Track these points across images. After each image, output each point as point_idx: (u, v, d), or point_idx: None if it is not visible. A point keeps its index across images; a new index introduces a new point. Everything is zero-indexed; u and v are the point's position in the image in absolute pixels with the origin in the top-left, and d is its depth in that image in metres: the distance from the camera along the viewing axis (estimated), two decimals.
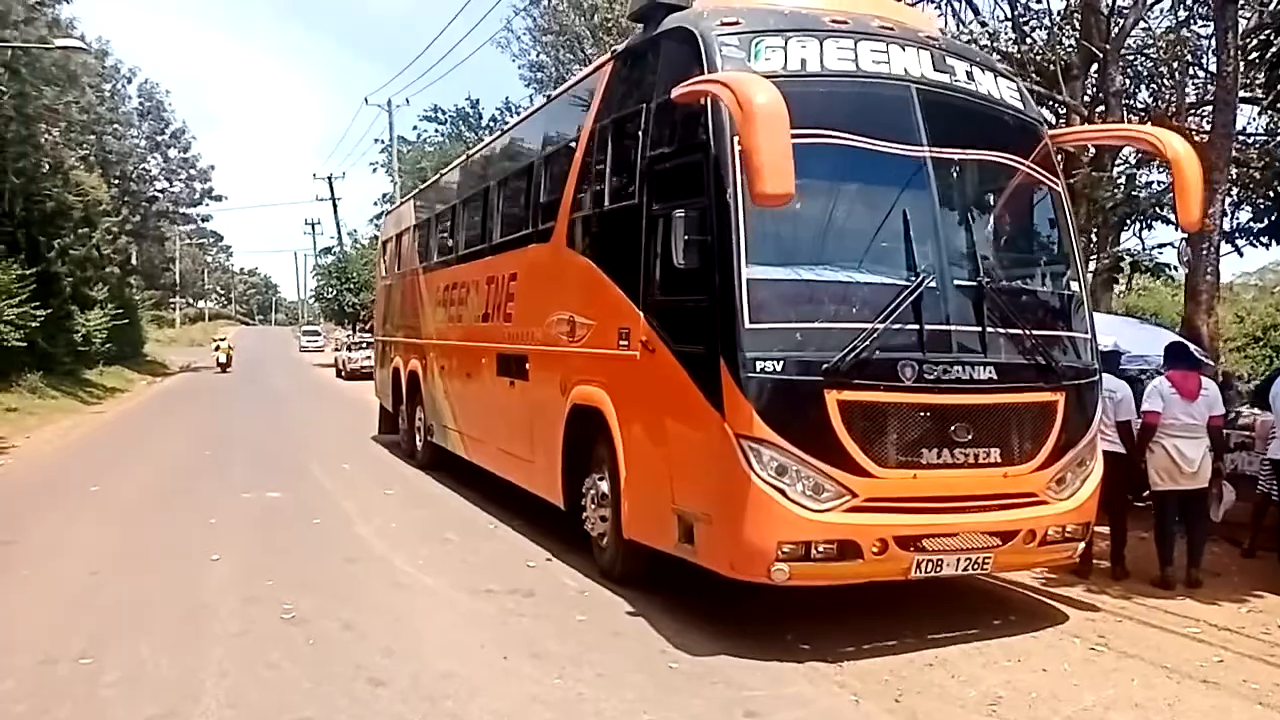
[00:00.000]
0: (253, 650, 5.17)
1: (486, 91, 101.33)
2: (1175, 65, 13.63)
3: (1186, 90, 14.85)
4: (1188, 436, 6.65)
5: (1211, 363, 9.62)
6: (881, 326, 5.17)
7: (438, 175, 14.05)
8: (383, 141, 41.51)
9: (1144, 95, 15.83)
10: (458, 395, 10.37)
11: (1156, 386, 6.80)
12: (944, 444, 5.27)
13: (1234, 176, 12.51)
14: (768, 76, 5.26)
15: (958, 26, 14.56)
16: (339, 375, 33.35)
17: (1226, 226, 12.24)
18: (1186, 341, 8.19)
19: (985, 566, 5.57)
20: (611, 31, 24.43)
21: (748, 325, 5.10)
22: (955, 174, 5.88)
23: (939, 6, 15.41)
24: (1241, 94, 11.62)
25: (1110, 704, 4.64)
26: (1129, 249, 13.09)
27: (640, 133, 6.19)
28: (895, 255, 5.45)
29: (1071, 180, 13.59)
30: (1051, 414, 5.61)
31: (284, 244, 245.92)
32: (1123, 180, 12.89)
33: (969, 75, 6.06)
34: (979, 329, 5.47)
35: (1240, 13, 10.96)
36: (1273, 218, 12.75)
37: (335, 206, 49.14)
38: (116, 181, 36.32)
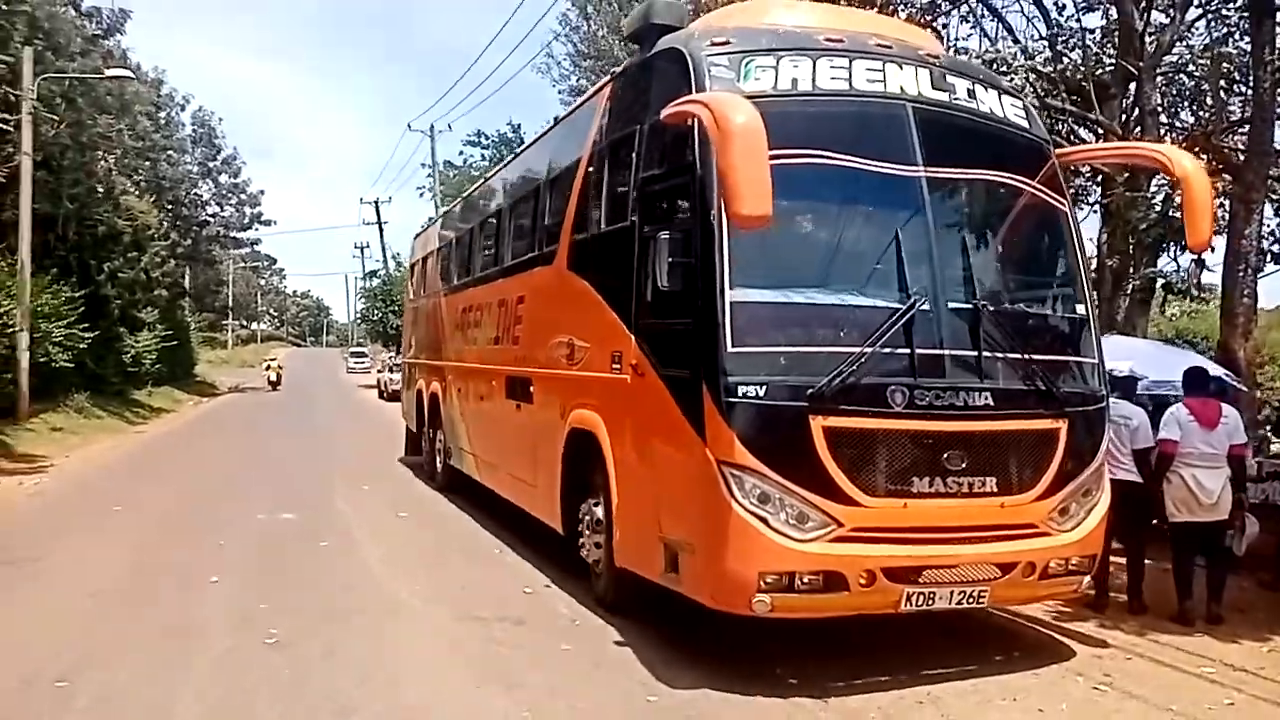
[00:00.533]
0: (229, 676, 5.13)
1: (529, 115, 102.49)
2: (1216, 83, 13.20)
3: (1230, 108, 14.42)
4: (1207, 466, 6.38)
5: (1245, 389, 9.24)
6: (870, 350, 5.02)
7: (460, 198, 14.15)
8: (428, 166, 42.11)
9: (1186, 115, 15.41)
10: (472, 418, 10.35)
11: (1174, 414, 6.54)
12: (936, 472, 5.09)
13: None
14: (757, 96, 5.20)
15: (989, 46, 14.29)
16: (380, 396, 33.70)
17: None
18: (1209, 366, 7.88)
19: (982, 600, 5.35)
20: None
21: (730, 348, 4.99)
22: (953, 194, 5.74)
23: (973, 26, 15.28)
24: None
25: None
26: (1162, 270, 12.67)
27: (634, 154, 6.13)
28: (886, 277, 5.30)
29: (1107, 200, 13.32)
30: (1053, 441, 5.40)
31: (337, 267, 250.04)
32: (1159, 200, 12.51)
33: (970, 93, 5.90)
34: (975, 353, 5.30)
35: (1278, 28, 10.60)
36: None
37: (381, 230, 49.76)
38: (170, 206, 37.12)
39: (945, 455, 5.09)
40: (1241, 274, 10.15)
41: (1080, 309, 5.98)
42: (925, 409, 5.09)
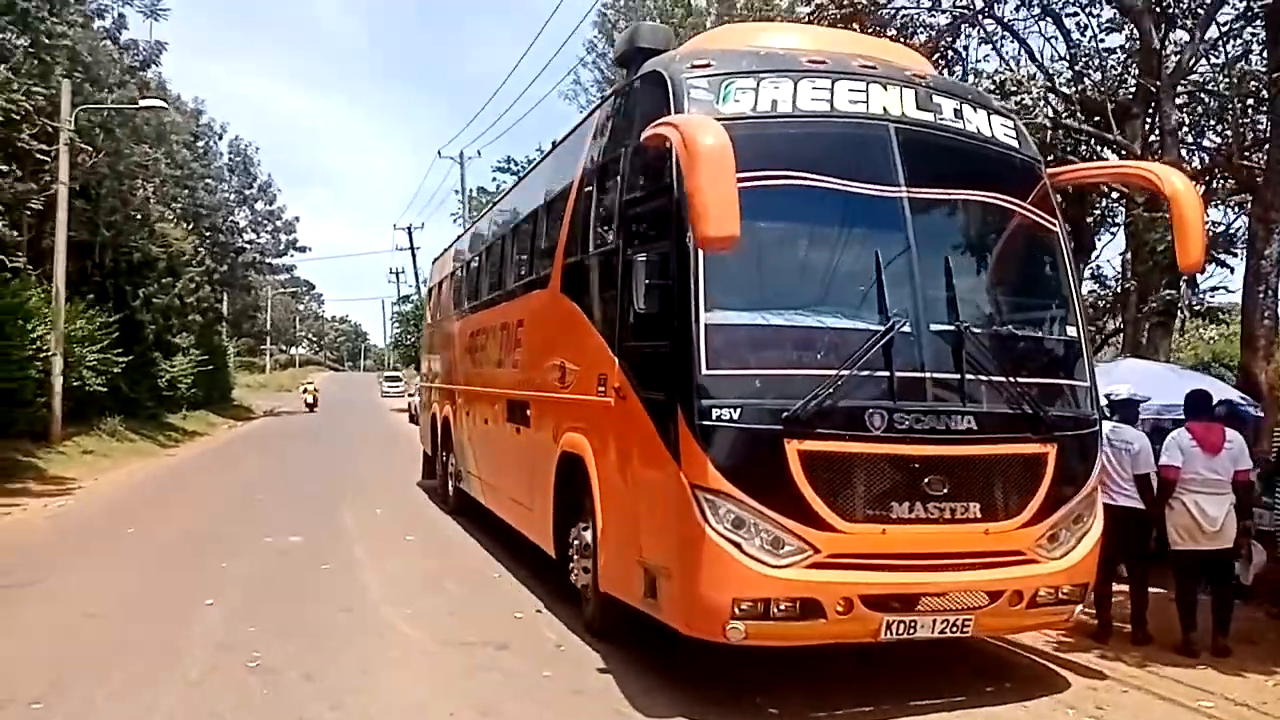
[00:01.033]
0: (203, 698, 5.15)
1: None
2: (1237, 101, 12.95)
3: (1259, 126, 14.15)
4: (1210, 493, 6.20)
5: (1263, 414, 8.98)
6: (847, 373, 4.93)
7: (471, 224, 14.25)
8: (459, 193, 42.53)
9: (1213, 135, 15.15)
10: (478, 441, 10.37)
11: (1176, 439, 6.36)
12: (917, 497, 4.97)
13: None
14: (735, 118, 5.20)
15: (1004, 66, 14.19)
16: (411, 420, 33.87)
17: None
18: (1224, 389, 7.67)
19: (966, 629, 5.20)
20: None
21: (705, 371, 4.93)
22: (936, 215, 5.64)
23: (994, 47, 15.16)
24: None
25: None
26: (1173, 293, 12.41)
27: (619, 177, 6.12)
28: (866, 299, 5.22)
29: (1129, 221, 13.09)
30: (1041, 466, 5.26)
31: (374, 292, 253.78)
32: None
33: (957, 113, 5.82)
34: (957, 376, 5.19)
35: None
36: None
37: (414, 256, 50.24)
38: (207, 233, 37.79)
39: (926, 480, 4.98)
40: (1262, 296, 9.92)
41: (1071, 331, 5.83)
42: (905, 432, 4.99)
